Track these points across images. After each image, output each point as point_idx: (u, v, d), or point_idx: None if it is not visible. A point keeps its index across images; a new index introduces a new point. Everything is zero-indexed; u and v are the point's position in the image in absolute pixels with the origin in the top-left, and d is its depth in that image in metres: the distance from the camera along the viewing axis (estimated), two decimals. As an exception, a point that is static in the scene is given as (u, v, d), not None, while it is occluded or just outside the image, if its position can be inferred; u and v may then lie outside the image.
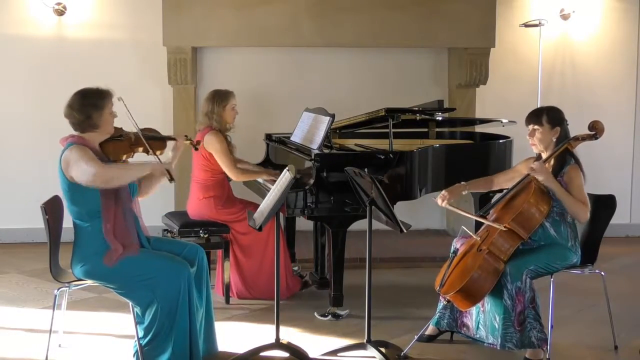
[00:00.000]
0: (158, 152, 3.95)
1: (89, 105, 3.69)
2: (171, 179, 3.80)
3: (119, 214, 3.70)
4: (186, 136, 4.17)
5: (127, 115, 3.74)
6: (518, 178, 4.09)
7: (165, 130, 6.39)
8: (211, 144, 4.95)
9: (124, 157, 3.87)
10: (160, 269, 3.68)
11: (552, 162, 4.01)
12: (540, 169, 3.91)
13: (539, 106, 4.95)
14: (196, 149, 4.32)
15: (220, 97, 5.05)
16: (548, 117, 4.02)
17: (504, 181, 4.26)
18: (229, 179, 5.14)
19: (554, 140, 4.01)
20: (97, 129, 3.72)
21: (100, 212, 3.66)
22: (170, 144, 4.04)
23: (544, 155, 4.03)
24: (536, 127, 4.02)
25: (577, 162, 4.01)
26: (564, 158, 3.97)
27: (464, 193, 4.21)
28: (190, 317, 3.70)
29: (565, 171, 3.96)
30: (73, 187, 3.65)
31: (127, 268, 3.65)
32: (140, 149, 3.88)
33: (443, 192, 4.15)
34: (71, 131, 3.78)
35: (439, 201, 4.12)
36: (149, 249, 3.84)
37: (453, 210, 4.10)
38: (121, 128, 3.87)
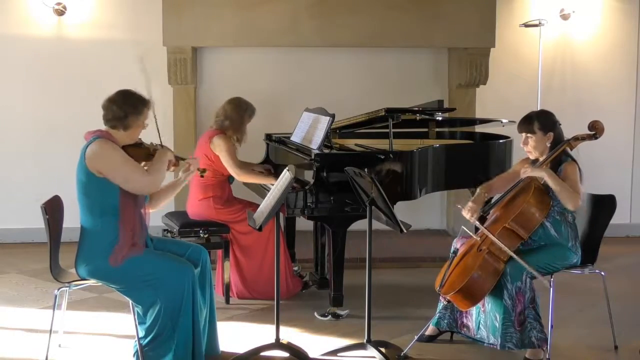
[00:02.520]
0: (172, 168, 3.96)
1: (130, 105, 3.73)
2: (177, 163, 3.89)
3: (136, 214, 3.73)
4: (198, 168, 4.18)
5: (155, 127, 3.81)
6: (516, 179, 4.10)
7: (166, 130, 6.42)
8: (219, 146, 4.96)
9: (142, 164, 3.87)
10: (164, 269, 3.68)
11: (549, 165, 4.00)
12: (530, 172, 3.92)
13: (538, 108, 4.96)
14: (202, 177, 4.36)
15: (250, 110, 5.10)
16: (539, 123, 4.01)
17: (504, 183, 4.23)
18: (230, 181, 5.15)
19: (548, 145, 4.01)
20: (127, 130, 3.74)
21: (114, 209, 3.66)
22: (182, 164, 4.03)
23: (541, 160, 4.02)
24: (529, 135, 4.02)
25: (574, 160, 4.01)
26: (559, 157, 3.98)
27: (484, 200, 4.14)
28: (193, 318, 3.70)
29: (561, 168, 3.96)
30: (93, 180, 3.64)
31: (132, 268, 3.66)
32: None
33: (470, 204, 4.03)
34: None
35: (467, 215, 4.00)
36: (151, 248, 3.85)
37: (483, 231, 3.93)
38: (140, 139, 3.90)
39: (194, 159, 4.10)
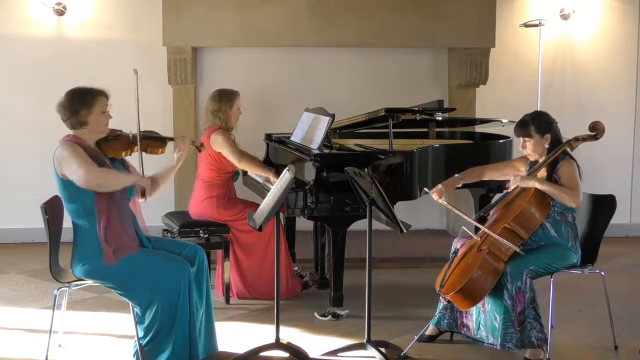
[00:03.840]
0: (160, 151, 3.95)
1: (77, 102, 3.69)
2: (143, 196, 3.81)
3: (112, 214, 3.68)
4: (192, 141, 4.18)
5: (135, 116, 3.76)
6: (513, 173, 4.10)
7: (165, 130, 6.40)
8: (218, 142, 4.96)
9: (123, 155, 3.87)
10: (160, 268, 3.67)
11: (545, 167, 4.01)
12: (519, 181, 3.95)
13: (538, 108, 4.97)
14: (199, 151, 4.35)
15: (227, 97, 5.08)
16: (535, 126, 4.02)
17: (497, 174, 4.26)
18: (234, 179, 5.15)
19: (547, 146, 4.01)
20: (85, 126, 3.71)
21: (93, 210, 3.64)
22: (171, 145, 4.02)
23: (541, 161, 4.03)
24: (526, 139, 4.03)
25: (572, 158, 4.01)
26: (558, 157, 3.98)
27: (458, 186, 4.21)
28: (190, 316, 3.70)
29: (558, 167, 3.97)
30: (66, 185, 3.65)
31: (128, 267, 3.65)
32: (136, 147, 3.86)
33: (439, 186, 4.13)
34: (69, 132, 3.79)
35: (435, 196, 4.10)
36: (149, 248, 3.84)
37: (450, 209, 4.09)
38: (120, 130, 3.87)
39: (183, 138, 4.10)
